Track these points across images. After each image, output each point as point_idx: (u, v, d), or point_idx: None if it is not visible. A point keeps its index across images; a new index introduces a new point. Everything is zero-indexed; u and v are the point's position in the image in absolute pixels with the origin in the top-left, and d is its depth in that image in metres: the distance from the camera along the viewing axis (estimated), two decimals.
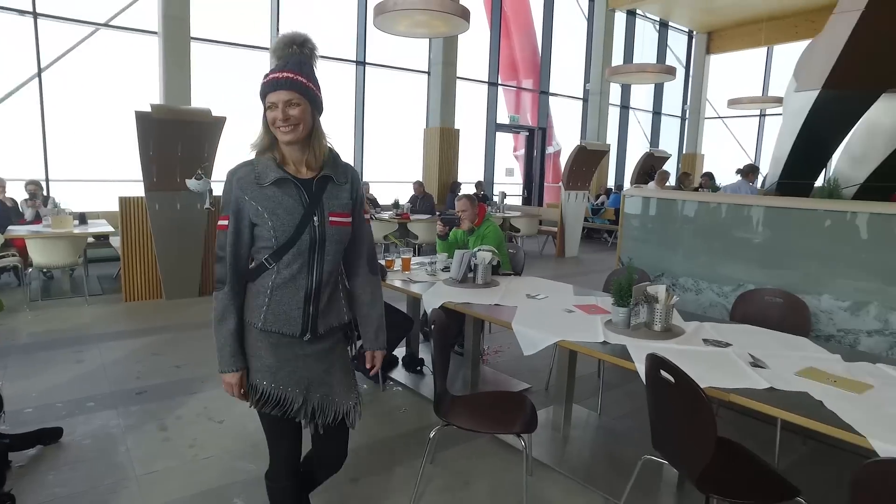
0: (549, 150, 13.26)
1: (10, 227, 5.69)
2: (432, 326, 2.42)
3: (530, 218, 9.67)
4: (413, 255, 4.11)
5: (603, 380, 3.61)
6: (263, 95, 1.55)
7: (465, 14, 5.35)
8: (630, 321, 2.55)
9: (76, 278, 6.38)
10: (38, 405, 3.26)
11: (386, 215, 8.23)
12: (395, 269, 3.82)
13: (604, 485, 2.57)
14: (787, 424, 2.63)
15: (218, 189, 5.83)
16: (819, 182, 6.73)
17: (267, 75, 1.55)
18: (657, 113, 15.17)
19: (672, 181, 10.54)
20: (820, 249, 3.27)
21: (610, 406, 3.47)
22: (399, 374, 3.87)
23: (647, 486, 2.54)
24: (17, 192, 6.45)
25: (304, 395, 1.67)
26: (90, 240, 6.06)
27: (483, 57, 11.61)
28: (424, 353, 4.09)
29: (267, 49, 8.45)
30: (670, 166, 12.73)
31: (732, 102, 12.17)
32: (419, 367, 3.89)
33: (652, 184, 8.97)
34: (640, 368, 2.06)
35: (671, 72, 9.49)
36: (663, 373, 1.87)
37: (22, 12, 6.97)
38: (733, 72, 15.35)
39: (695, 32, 15.15)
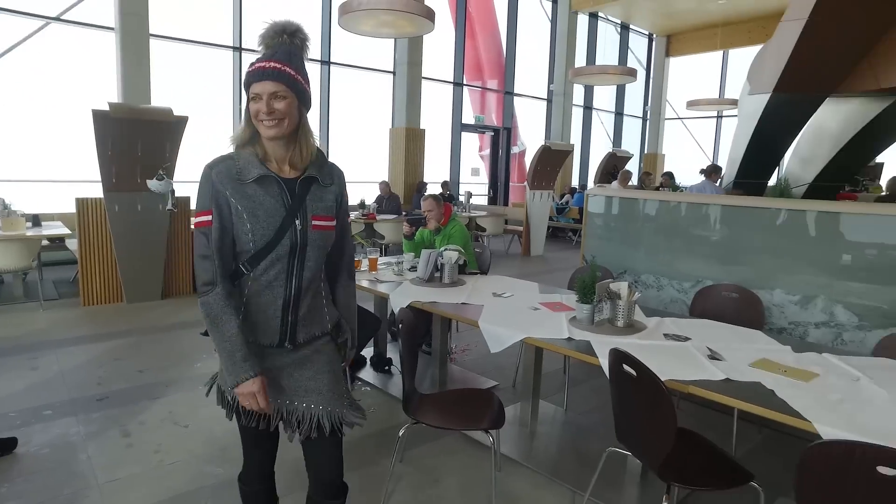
0: (514, 149, 13.40)
1: None
2: (400, 326, 2.44)
3: (496, 217, 9.76)
4: (380, 255, 4.12)
5: (568, 376, 3.68)
6: (247, 85, 1.44)
7: (430, 14, 5.37)
8: (594, 318, 2.61)
9: (29, 283, 6.15)
10: None
11: (352, 215, 8.20)
12: (361, 269, 3.82)
13: (570, 478, 2.63)
14: (742, 414, 2.75)
15: (180, 190, 5.74)
16: (772, 181, 7.01)
17: (253, 64, 1.45)
18: (619, 114, 15.49)
19: (634, 181, 10.78)
20: (773, 246, 3.41)
21: (575, 401, 3.54)
22: (367, 374, 3.87)
23: (612, 477, 2.61)
24: None
25: (283, 406, 1.56)
26: (45, 242, 5.86)
27: (448, 57, 11.66)
28: (392, 352, 4.10)
29: (229, 47, 8.32)
30: (632, 166, 13.02)
31: (691, 104, 12.56)
32: (387, 367, 3.90)
33: (615, 183, 9.17)
34: (604, 363, 2.13)
35: (632, 73, 9.71)
36: (626, 367, 1.93)
37: None
38: (692, 74, 15.80)
39: (654, 35, 15.54)
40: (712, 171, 6.88)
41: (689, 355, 2.25)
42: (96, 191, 5.40)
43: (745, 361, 2.17)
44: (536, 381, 3.21)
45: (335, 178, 1.60)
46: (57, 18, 7.23)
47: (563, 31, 12.79)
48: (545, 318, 2.80)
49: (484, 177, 13.14)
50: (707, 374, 2.03)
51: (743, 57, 13.86)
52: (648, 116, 16.23)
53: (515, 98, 12.99)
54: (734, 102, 10.67)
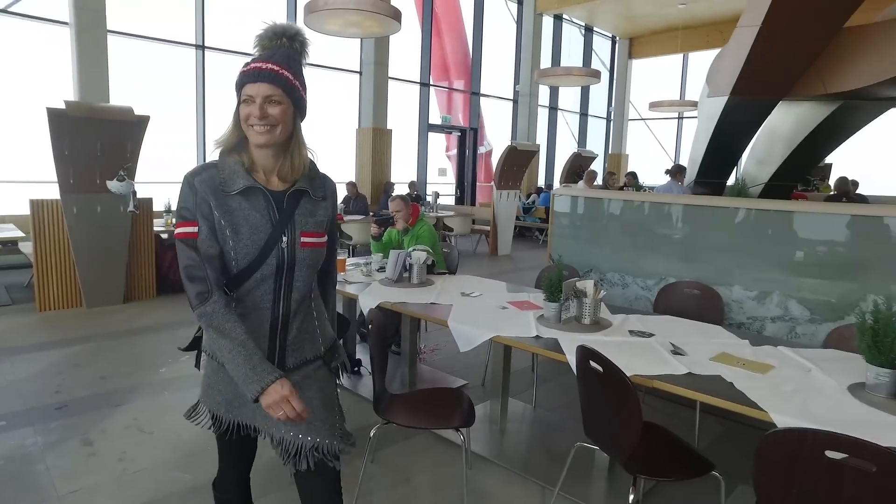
0: (481, 150, 13.48)
1: None
2: (369, 327, 2.44)
3: (463, 217, 9.80)
4: (348, 256, 4.10)
5: (537, 373, 3.74)
6: (240, 86, 1.34)
7: (396, 15, 5.37)
8: (561, 315, 2.67)
9: None
10: None
11: None
12: None
13: (540, 473, 2.68)
14: (704, 406, 2.84)
15: (142, 191, 5.60)
16: (730, 181, 7.24)
17: (248, 64, 1.35)
18: (584, 114, 15.74)
19: (600, 181, 10.98)
20: (732, 244, 3.53)
21: (544, 398, 3.60)
22: None
23: (581, 471, 2.67)
24: None
25: (265, 429, 1.45)
26: None
27: (415, 57, 11.66)
28: (362, 353, 4.09)
29: (192, 45, 8.14)
30: (597, 166, 13.25)
31: (653, 105, 12.87)
32: (357, 368, 3.89)
33: (581, 183, 9.32)
34: (572, 360, 2.17)
35: (596, 75, 9.89)
36: (593, 363, 1.98)
37: None
38: (654, 76, 16.17)
39: (617, 38, 15.84)
40: (677, 172, 7.06)
41: (653, 351, 2.32)
42: (52, 192, 5.22)
43: (706, 356, 2.25)
44: (505, 380, 3.26)
45: (328, 191, 1.48)
46: (4, 11, 6.93)
47: (529, 32, 12.93)
48: (513, 316, 2.84)
49: (451, 177, 13.19)
50: (670, 368, 2.10)
51: (702, 60, 14.26)
52: (612, 117, 16.54)
53: (482, 98, 13.07)
54: (694, 104, 10.96)
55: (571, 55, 14.62)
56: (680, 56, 15.31)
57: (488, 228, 9.83)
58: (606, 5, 12.64)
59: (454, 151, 13.17)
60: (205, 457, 2.74)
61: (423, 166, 12.05)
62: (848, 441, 1.35)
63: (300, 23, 7.31)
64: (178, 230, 1.34)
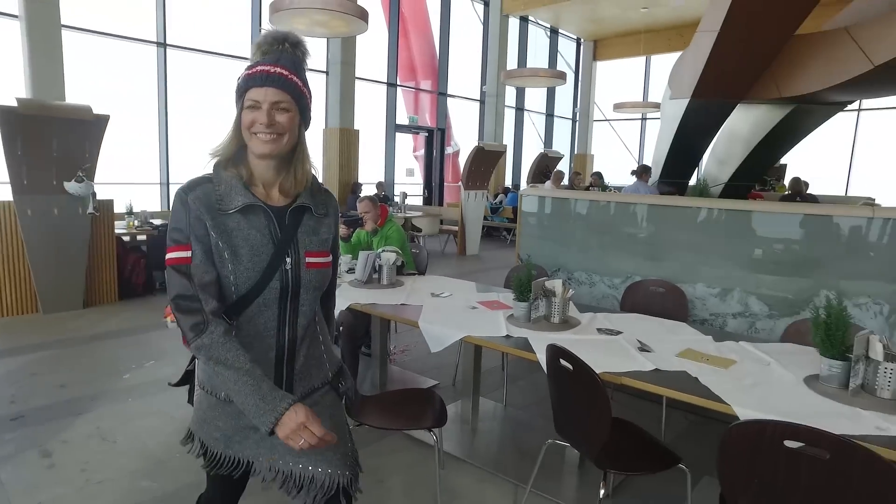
0: (448, 150, 13.51)
1: None
2: (340, 329, 2.44)
3: (431, 217, 9.82)
4: None
5: (507, 372, 3.78)
6: (243, 90, 1.23)
7: (363, 14, 5.35)
8: (530, 315, 2.70)
9: None
10: None
11: None
12: None
13: (512, 471, 2.71)
14: (670, 401, 2.92)
15: (102, 192, 5.43)
16: (692, 181, 7.45)
17: (253, 66, 1.24)
18: (550, 115, 15.93)
19: (566, 181, 11.14)
20: (694, 243, 3.64)
21: (514, 396, 3.64)
22: None
23: (552, 468, 2.72)
24: None
25: (270, 463, 1.32)
26: None
27: (382, 58, 11.61)
28: None
29: (153, 43, 7.93)
30: (563, 166, 13.43)
31: (617, 106, 13.13)
32: None
33: (548, 183, 9.44)
34: (542, 359, 2.21)
35: (562, 76, 10.03)
36: (563, 361, 2.02)
37: None
38: (618, 78, 16.47)
39: (582, 40, 16.08)
40: (643, 172, 7.22)
41: (621, 348, 2.37)
42: (4, 193, 5.02)
43: (672, 352, 2.32)
44: (476, 379, 3.28)
45: (330, 207, 1.38)
46: None
47: (495, 33, 13.01)
48: (483, 316, 2.86)
49: (418, 177, 13.18)
50: (638, 365, 2.15)
51: (664, 62, 14.59)
52: (578, 118, 16.78)
53: (449, 99, 13.10)
54: (657, 105, 11.23)
55: (537, 56, 14.78)
56: (643, 59, 15.63)
57: (456, 229, 9.87)
58: (571, 8, 12.82)
59: (422, 152, 13.17)
60: (174, 464, 2.68)
61: (391, 167, 12.01)
62: (805, 431, 1.42)
63: (265, 22, 7.20)
64: (169, 255, 1.22)
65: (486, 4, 13.20)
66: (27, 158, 4.87)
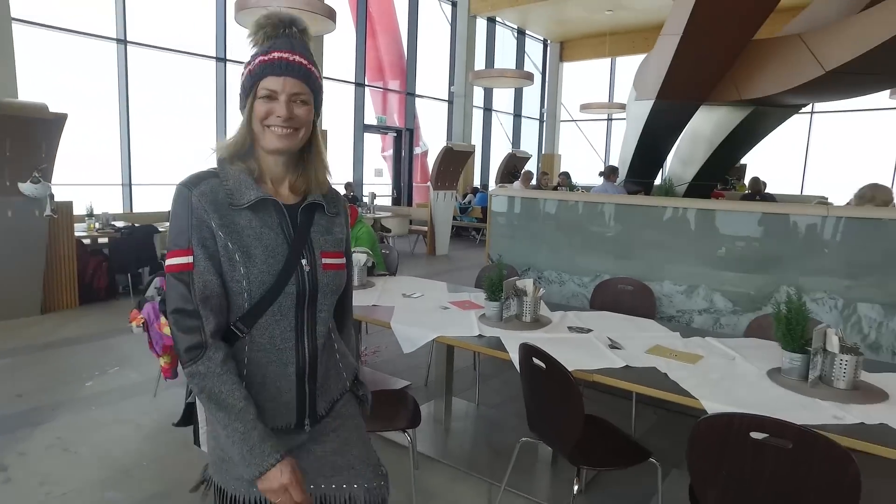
0: (417, 150, 13.50)
1: None
2: None
3: (401, 218, 9.80)
4: None
5: (478, 371, 3.80)
6: (259, 78, 1.11)
7: (331, 14, 5.31)
8: (502, 314, 2.72)
9: None
10: None
11: None
12: None
13: (486, 470, 2.73)
14: (639, 396, 2.98)
15: (60, 194, 5.25)
16: (658, 181, 7.62)
17: (268, 52, 1.11)
18: (517, 115, 16.06)
19: (535, 180, 11.25)
20: (661, 241, 3.72)
21: (487, 396, 3.66)
22: None
23: (525, 466, 2.74)
24: None
25: (309, 492, 1.20)
26: None
27: (349, 57, 11.52)
28: None
29: (113, 39, 7.69)
30: (531, 166, 13.57)
31: (584, 107, 13.34)
32: None
33: (517, 183, 9.52)
34: (515, 358, 2.23)
35: (529, 77, 10.13)
36: (535, 360, 2.04)
37: None
38: (584, 79, 16.70)
39: (549, 41, 16.26)
40: (610, 173, 7.34)
41: (592, 346, 2.41)
42: None
43: (641, 349, 2.36)
44: (449, 379, 3.29)
45: (340, 206, 1.29)
46: None
47: (463, 34, 13.06)
48: (455, 316, 2.87)
49: (387, 177, 13.13)
50: (609, 362, 2.19)
51: (629, 64, 14.87)
52: (545, 118, 16.96)
53: (417, 99, 13.09)
54: (622, 106, 11.44)
55: (505, 57, 14.88)
56: (608, 60, 15.90)
57: (426, 229, 9.87)
58: (538, 9, 12.95)
59: (390, 152, 13.12)
60: (141, 473, 2.61)
61: (360, 167, 11.93)
62: (770, 422, 1.47)
63: (231, 20, 7.06)
64: (168, 261, 1.10)
65: (454, 5, 13.24)
66: None
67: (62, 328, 4.90)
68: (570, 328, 2.68)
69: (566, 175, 10.25)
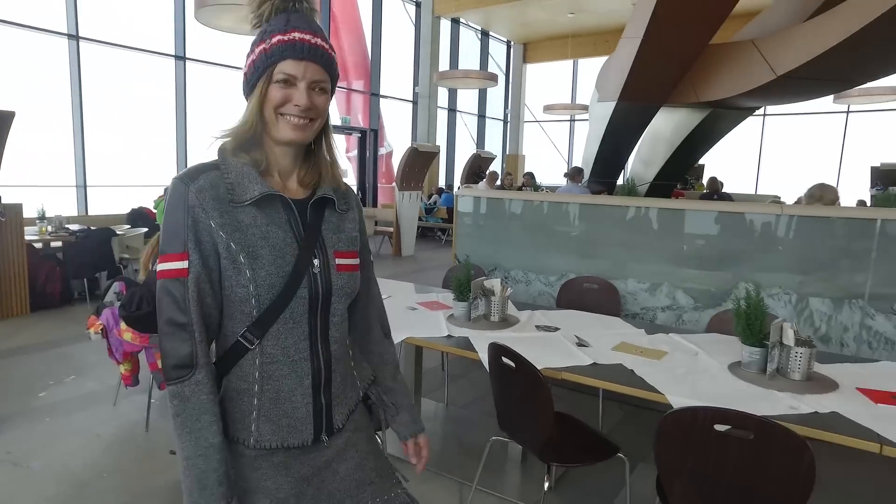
0: (382, 151, 13.44)
1: None
2: None
3: (366, 219, 9.73)
4: None
5: (447, 372, 3.80)
6: (276, 60, 0.99)
7: None
8: (470, 314, 2.73)
9: None
10: None
11: None
12: None
13: (457, 470, 2.73)
14: (606, 393, 3.03)
15: (7, 196, 5.02)
16: (620, 181, 7.77)
17: (286, 30, 0.99)
18: (482, 116, 16.15)
19: (500, 181, 11.33)
20: (624, 240, 3.79)
21: (456, 396, 3.67)
22: None
23: (496, 464, 2.76)
24: None
25: None
26: None
27: None
28: None
29: (64, 35, 7.39)
30: (496, 167, 13.66)
31: (547, 108, 13.51)
32: None
33: (482, 183, 9.57)
34: (484, 357, 2.24)
35: (493, 78, 10.20)
36: (505, 359, 2.06)
37: None
38: (547, 80, 16.92)
39: (512, 43, 16.41)
40: (575, 174, 7.43)
41: (559, 344, 2.44)
42: None
43: (608, 346, 2.41)
44: (418, 380, 3.28)
45: (351, 201, 1.17)
46: None
47: (427, 35, 13.06)
48: (424, 317, 2.86)
49: (352, 178, 13.03)
50: (577, 360, 2.22)
51: (591, 66, 15.12)
52: (509, 119, 17.11)
53: (381, 100, 13.03)
54: (585, 107, 11.62)
55: (469, 58, 14.95)
56: (571, 62, 16.14)
57: (391, 229, 9.84)
58: (501, 11, 13.05)
59: (354, 153, 13.03)
60: (99, 486, 2.52)
61: None
62: (733, 415, 1.52)
63: (189, 17, 6.88)
64: (161, 266, 0.98)
65: (418, 5, 13.23)
66: None
67: (12, 337, 4.69)
68: (537, 327, 2.70)
69: (531, 175, 10.36)
